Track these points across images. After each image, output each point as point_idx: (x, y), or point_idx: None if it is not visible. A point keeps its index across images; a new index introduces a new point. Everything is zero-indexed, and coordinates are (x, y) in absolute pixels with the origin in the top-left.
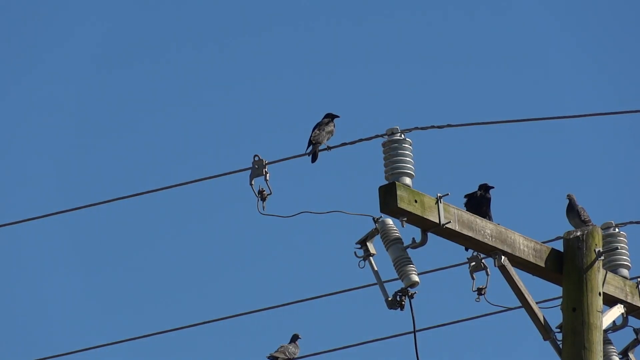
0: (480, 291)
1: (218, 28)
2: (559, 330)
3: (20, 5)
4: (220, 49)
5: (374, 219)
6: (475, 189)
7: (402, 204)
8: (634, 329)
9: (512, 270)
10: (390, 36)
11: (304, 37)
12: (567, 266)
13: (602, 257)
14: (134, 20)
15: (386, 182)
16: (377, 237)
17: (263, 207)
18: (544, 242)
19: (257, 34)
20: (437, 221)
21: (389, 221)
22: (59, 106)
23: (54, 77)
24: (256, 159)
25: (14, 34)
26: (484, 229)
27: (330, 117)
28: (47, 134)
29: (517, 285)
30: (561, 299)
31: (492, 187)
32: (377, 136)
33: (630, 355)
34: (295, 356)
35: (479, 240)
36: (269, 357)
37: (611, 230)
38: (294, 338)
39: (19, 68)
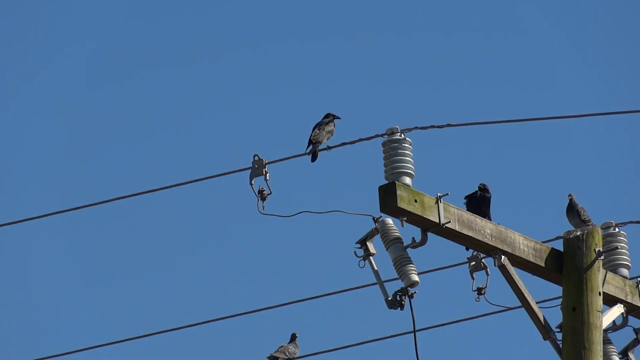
0: (480, 291)
1: (219, 29)
2: (559, 330)
3: (21, 5)
4: (221, 49)
5: (373, 218)
6: (475, 189)
7: (402, 204)
8: (634, 329)
9: (512, 270)
10: (391, 36)
11: (304, 38)
12: (567, 266)
13: (602, 257)
14: (135, 21)
15: (386, 182)
16: (377, 237)
17: (263, 207)
18: (544, 242)
19: (257, 35)
20: (437, 221)
21: (389, 221)
22: (61, 106)
23: (56, 78)
24: (256, 158)
25: (18, 33)
26: (484, 228)
27: (331, 117)
28: (48, 135)
29: (517, 285)
30: (561, 299)
31: (486, 187)
32: (377, 136)
33: (630, 355)
34: (295, 356)
35: (479, 240)
36: (269, 357)
37: (611, 230)
38: (293, 337)
39: (20, 69)
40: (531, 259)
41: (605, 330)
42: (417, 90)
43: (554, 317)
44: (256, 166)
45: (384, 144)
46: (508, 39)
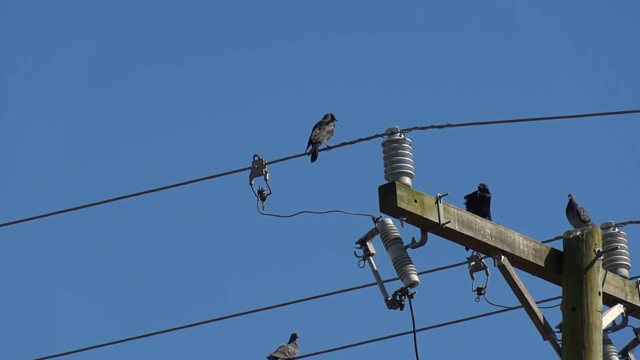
0: (480, 291)
1: (219, 29)
2: (558, 330)
3: (21, 5)
4: (221, 49)
5: (373, 218)
6: (475, 189)
7: (401, 204)
8: (634, 329)
9: (512, 270)
10: (391, 36)
11: (304, 38)
12: (567, 266)
13: (602, 257)
14: (135, 21)
15: (386, 182)
16: (377, 237)
17: (263, 207)
18: (543, 242)
19: (257, 35)
20: (437, 221)
21: (389, 221)
22: (61, 106)
23: (56, 78)
24: (256, 158)
25: (18, 33)
26: (483, 228)
27: (330, 117)
28: (48, 135)
29: (517, 285)
30: (561, 299)
31: (486, 187)
32: (377, 136)
33: (630, 355)
34: (295, 356)
35: (478, 240)
36: (269, 357)
37: (611, 230)
38: (293, 337)
39: (20, 69)
40: (531, 259)
41: (605, 330)
42: (417, 90)
43: (554, 317)
44: (256, 166)
45: (383, 144)
46: (508, 39)
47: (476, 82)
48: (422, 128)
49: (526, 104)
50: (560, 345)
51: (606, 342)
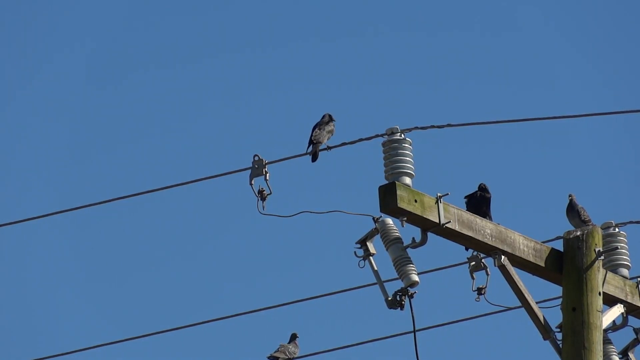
0: (480, 291)
1: (219, 29)
2: (558, 330)
3: (21, 5)
4: (221, 49)
5: (373, 218)
6: (475, 189)
7: (402, 204)
8: (634, 329)
9: (512, 270)
10: (390, 36)
11: (304, 38)
12: (567, 266)
13: (602, 257)
14: (135, 21)
15: (386, 182)
16: (377, 237)
17: (263, 207)
18: (544, 242)
19: (257, 35)
20: (437, 221)
21: (389, 221)
22: (61, 106)
23: (56, 78)
24: (256, 158)
25: (18, 33)
26: (483, 228)
27: (328, 117)
28: (48, 135)
29: (517, 285)
30: (561, 299)
31: (486, 187)
32: (377, 136)
33: (630, 355)
34: (295, 356)
35: (479, 240)
36: (269, 357)
37: (611, 230)
38: (293, 337)
39: (20, 69)
40: (531, 259)
41: (605, 330)
42: (417, 90)
43: (554, 317)
44: (256, 166)
45: (384, 144)
46: (508, 39)
47: (476, 82)
48: (422, 128)
49: (526, 104)
50: (561, 345)
51: (606, 342)
